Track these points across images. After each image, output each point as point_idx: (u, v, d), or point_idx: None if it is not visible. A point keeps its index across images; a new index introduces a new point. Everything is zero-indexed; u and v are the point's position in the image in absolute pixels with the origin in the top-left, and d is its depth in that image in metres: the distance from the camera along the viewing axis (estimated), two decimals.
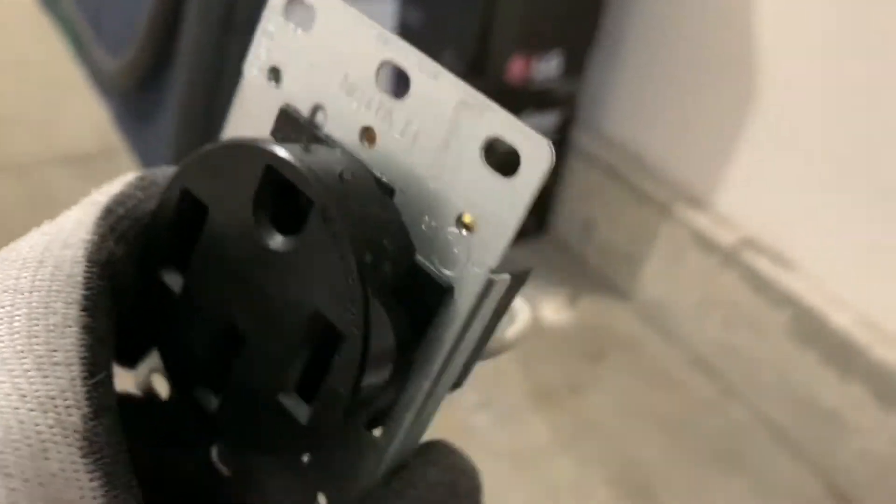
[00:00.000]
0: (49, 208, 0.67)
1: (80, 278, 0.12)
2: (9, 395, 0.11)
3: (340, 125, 0.14)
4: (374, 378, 0.13)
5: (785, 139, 0.76)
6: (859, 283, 0.73)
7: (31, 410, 0.11)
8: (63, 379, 0.11)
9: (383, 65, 0.14)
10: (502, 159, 0.13)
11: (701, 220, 0.83)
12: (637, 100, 0.89)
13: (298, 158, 0.12)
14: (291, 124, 0.14)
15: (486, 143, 0.13)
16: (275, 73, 0.15)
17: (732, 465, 0.75)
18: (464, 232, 0.13)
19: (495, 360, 0.70)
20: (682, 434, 0.77)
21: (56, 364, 0.12)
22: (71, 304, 0.12)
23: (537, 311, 0.87)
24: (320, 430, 0.13)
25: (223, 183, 0.13)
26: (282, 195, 0.13)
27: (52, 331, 0.12)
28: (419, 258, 0.13)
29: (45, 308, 0.12)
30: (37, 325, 0.12)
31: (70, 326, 0.12)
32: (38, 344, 0.12)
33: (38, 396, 0.11)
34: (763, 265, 0.78)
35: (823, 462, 0.75)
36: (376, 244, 0.12)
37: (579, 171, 0.93)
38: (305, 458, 0.15)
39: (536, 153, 0.12)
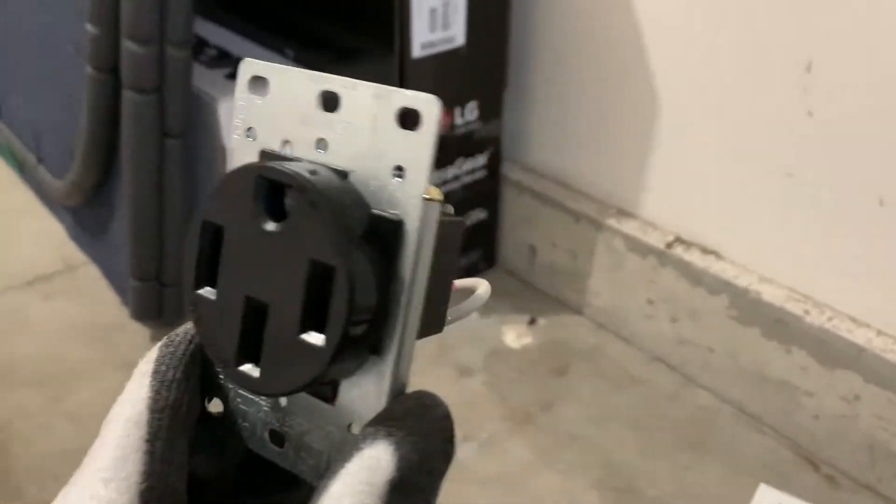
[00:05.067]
0: (24, 332, 0.72)
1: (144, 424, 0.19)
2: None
3: (303, 146, 0.20)
4: (363, 298, 0.18)
5: (690, 141, 0.83)
6: (782, 259, 0.79)
7: None
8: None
9: (321, 94, 0.20)
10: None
11: (631, 227, 0.89)
12: (553, 129, 0.96)
13: (278, 166, 0.19)
14: (269, 158, 0.20)
15: (397, 114, 0.19)
16: (251, 132, 0.21)
17: (704, 448, 0.80)
18: (398, 180, 0.19)
19: (469, 393, 0.76)
20: (652, 428, 0.82)
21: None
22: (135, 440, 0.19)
23: (500, 340, 0.92)
24: (334, 352, 0.18)
25: (230, 203, 0.19)
26: (269, 196, 0.19)
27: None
28: (374, 211, 0.19)
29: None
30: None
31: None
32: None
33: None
34: (695, 258, 0.84)
35: (785, 429, 0.80)
36: (342, 206, 0.18)
37: (515, 204, 0.99)
38: (335, 403, 0.20)
39: (429, 107, 0.18)
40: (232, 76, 0.94)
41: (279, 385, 0.19)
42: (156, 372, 0.20)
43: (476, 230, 0.99)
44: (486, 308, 0.96)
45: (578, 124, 0.93)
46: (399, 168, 0.19)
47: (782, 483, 0.75)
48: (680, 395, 0.86)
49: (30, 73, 1.05)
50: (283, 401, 0.21)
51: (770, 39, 0.73)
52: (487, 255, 1.02)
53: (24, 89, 1.08)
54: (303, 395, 0.20)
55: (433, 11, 0.81)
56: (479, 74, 0.90)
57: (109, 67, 0.78)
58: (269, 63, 0.20)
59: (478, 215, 0.98)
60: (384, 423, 0.18)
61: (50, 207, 1.12)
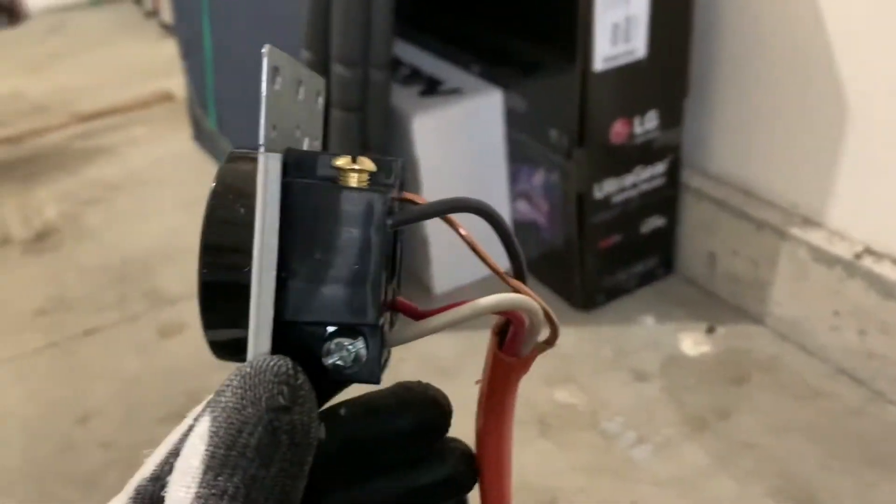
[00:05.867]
0: None
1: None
2: None
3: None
4: (223, 239, 0.19)
5: (880, 147, 0.80)
6: None
7: None
8: None
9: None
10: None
11: (817, 237, 0.87)
12: (735, 136, 0.95)
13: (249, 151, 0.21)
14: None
15: (270, 71, 0.19)
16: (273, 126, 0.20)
17: (893, 466, 0.77)
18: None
19: (645, 398, 0.79)
20: (835, 442, 0.80)
21: None
22: None
23: (676, 347, 0.93)
24: (201, 294, 0.19)
25: None
26: None
27: None
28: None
29: None
30: None
31: None
32: None
33: None
34: (886, 270, 0.81)
35: None
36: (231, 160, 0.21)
37: (694, 211, 1.00)
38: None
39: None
40: (424, 93, 1.01)
41: None
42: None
43: (653, 237, 1.00)
44: (663, 314, 0.98)
45: (762, 130, 0.92)
46: None
47: None
48: (867, 410, 0.83)
49: (246, 92, 1.18)
50: None
51: None
52: (665, 262, 1.03)
53: (241, 106, 1.22)
54: None
55: (616, 26, 0.84)
56: (659, 84, 0.92)
57: None
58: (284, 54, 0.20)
59: (655, 222, 1.00)
60: (213, 398, 0.17)
61: None
